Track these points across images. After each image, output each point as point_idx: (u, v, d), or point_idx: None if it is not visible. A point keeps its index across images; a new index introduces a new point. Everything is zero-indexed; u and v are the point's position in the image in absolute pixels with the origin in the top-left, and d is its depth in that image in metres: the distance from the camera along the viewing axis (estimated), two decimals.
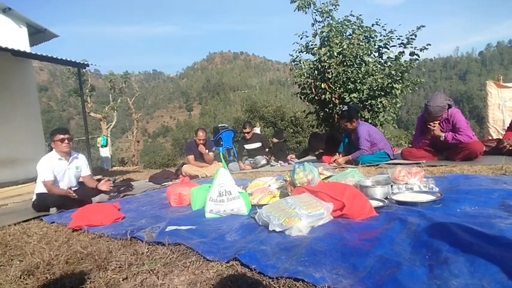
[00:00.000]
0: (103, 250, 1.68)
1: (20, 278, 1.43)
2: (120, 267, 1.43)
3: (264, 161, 5.79)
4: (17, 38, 7.25)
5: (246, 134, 6.06)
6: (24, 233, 2.36)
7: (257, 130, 10.77)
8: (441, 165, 3.36)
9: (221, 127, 9.96)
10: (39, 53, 6.81)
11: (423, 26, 6.86)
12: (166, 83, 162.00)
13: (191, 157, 5.33)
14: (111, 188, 3.66)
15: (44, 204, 3.20)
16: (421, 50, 6.88)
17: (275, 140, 6.44)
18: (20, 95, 7.53)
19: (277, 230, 1.61)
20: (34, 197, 3.35)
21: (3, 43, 5.89)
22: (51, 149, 3.54)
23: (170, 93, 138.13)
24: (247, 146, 6.11)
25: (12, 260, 1.73)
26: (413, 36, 6.84)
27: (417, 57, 6.94)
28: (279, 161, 6.00)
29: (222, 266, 1.33)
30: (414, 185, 2.24)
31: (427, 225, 1.46)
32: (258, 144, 6.07)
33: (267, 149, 6.09)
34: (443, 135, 3.64)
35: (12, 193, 5.23)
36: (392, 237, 1.39)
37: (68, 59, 6.99)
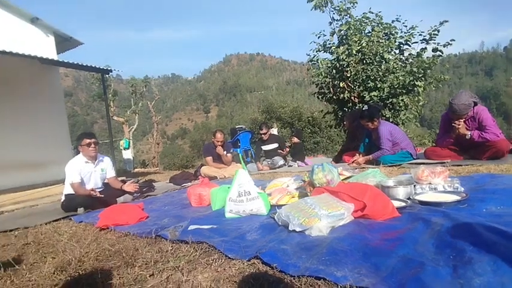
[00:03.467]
0: (130, 248, 1.75)
1: (54, 273, 1.51)
2: (146, 264, 1.49)
3: (281, 162, 5.79)
4: (44, 46, 7.63)
5: (262, 135, 6.09)
6: (55, 231, 2.49)
7: (274, 131, 10.77)
8: (467, 165, 3.25)
9: (238, 128, 10.04)
10: (65, 60, 7.14)
11: (446, 21, 6.63)
12: (184, 86, 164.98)
13: (209, 158, 5.40)
14: (137, 188, 3.78)
15: (72, 204, 3.34)
16: (444, 45, 6.66)
17: (295, 140, 6.41)
18: (48, 101, 7.92)
19: (297, 229, 1.62)
20: (63, 198, 3.51)
21: (32, 51, 6.22)
22: (77, 152, 3.71)
23: (188, 96, 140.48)
24: (265, 147, 6.14)
25: (45, 257, 1.83)
26: (435, 32, 6.63)
27: (440, 53, 6.72)
28: (297, 161, 5.98)
29: (243, 264, 1.35)
30: (438, 185, 2.18)
31: (451, 225, 1.43)
32: (274, 145, 6.07)
33: (282, 150, 6.07)
34: (469, 133, 3.52)
35: (42, 194, 5.50)
36: (415, 238, 1.37)
37: (92, 65, 7.28)
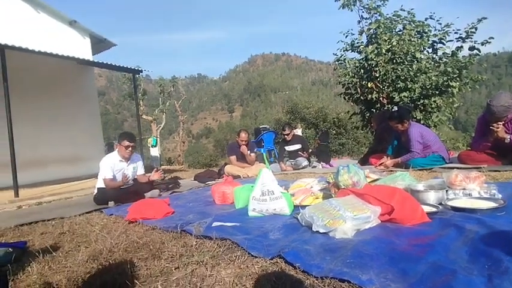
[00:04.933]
0: (156, 241, 1.82)
1: (87, 262, 1.60)
2: (172, 257, 1.54)
3: (305, 163, 5.74)
4: (81, 47, 8.10)
5: (285, 136, 6.06)
6: (88, 222, 2.64)
7: (298, 132, 10.67)
8: (505, 170, 3.05)
9: (262, 128, 10.04)
10: (100, 61, 7.52)
11: (485, 18, 6.24)
12: (209, 86, 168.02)
13: (233, 158, 5.45)
14: (161, 176, 3.90)
15: (103, 198, 3.52)
16: (482, 44, 6.27)
17: (318, 141, 6.36)
18: (84, 100, 8.39)
19: (321, 231, 1.60)
20: (95, 191, 3.70)
21: (70, 53, 6.61)
22: (109, 148, 3.88)
23: (213, 96, 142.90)
24: (288, 148, 6.10)
25: (79, 246, 1.94)
26: (473, 30, 6.27)
27: (478, 52, 6.34)
28: (321, 162, 5.90)
29: (266, 262, 1.36)
30: (473, 190, 2.07)
31: (487, 233, 1.35)
32: (298, 146, 6.02)
33: (305, 152, 6.00)
34: (509, 137, 3.30)
35: (76, 187, 5.83)
36: (446, 244, 1.31)
37: (124, 66, 7.61)
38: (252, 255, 1.44)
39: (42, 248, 1.89)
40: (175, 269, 1.39)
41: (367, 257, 1.24)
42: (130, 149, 3.69)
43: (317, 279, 1.15)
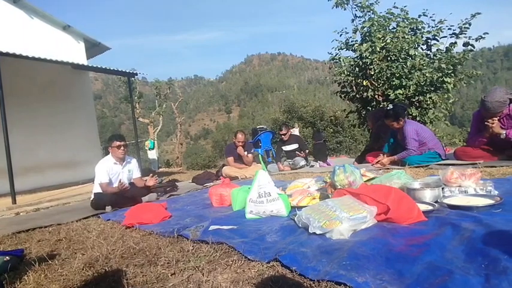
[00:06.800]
0: (153, 246, 1.81)
1: (83, 269, 1.59)
2: (168, 263, 1.53)
3: (303, 162, 5.74)
4: (75, 52, 8.06)
5: (283, 136, 6.07)
6: (85, 228, 2.62)
7: (296, 131, 10.68)
8: (501, 166, 3.06)
9: (260, 128, 10.03)
10: (95, 65, 7.49)
11: (478, 13, 6.27)
12: (206, 87, 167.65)
13: (231, 159, 5.46)
14: (157, 182, 3.91)
15: (100, 203, 3.50)
16: (476, 39, 6.30)
17: (314, 142, 6.39)
18: (80, 104, 8.35)
19: (318, 232, 1.59)
20: (92, 196, 3.69)
21: (64, 57, 6.58)
22: (106, 152, 3.87)
23: (210, 97, 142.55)
24: (285, 148, 6.12)
25: (75, 253, 1.93)
26: (467, 25, 6.30)
27: (472, 47, 6.37)
28: (319, 161, 5.91)
29: (263, 266, 1.35)
30: (469, 187, 2.07)
31: (483, 231, 1.34)
32: (295, 146, 6.03)
33: (302, 151, 6.01)
34: (504, 132, 3.31)
35: (74, 192, 5.81)
36: (443, 244, 1.30)
37: (120, 69, 7.58)
38: (249, 259, 1.44)
39: (39, 255, 1.88)
40: (171, 275, 1.38)
41: (363, 258, 1.23)
42: (122, 148, 3.68)
43: (313, 283, 1.14)
